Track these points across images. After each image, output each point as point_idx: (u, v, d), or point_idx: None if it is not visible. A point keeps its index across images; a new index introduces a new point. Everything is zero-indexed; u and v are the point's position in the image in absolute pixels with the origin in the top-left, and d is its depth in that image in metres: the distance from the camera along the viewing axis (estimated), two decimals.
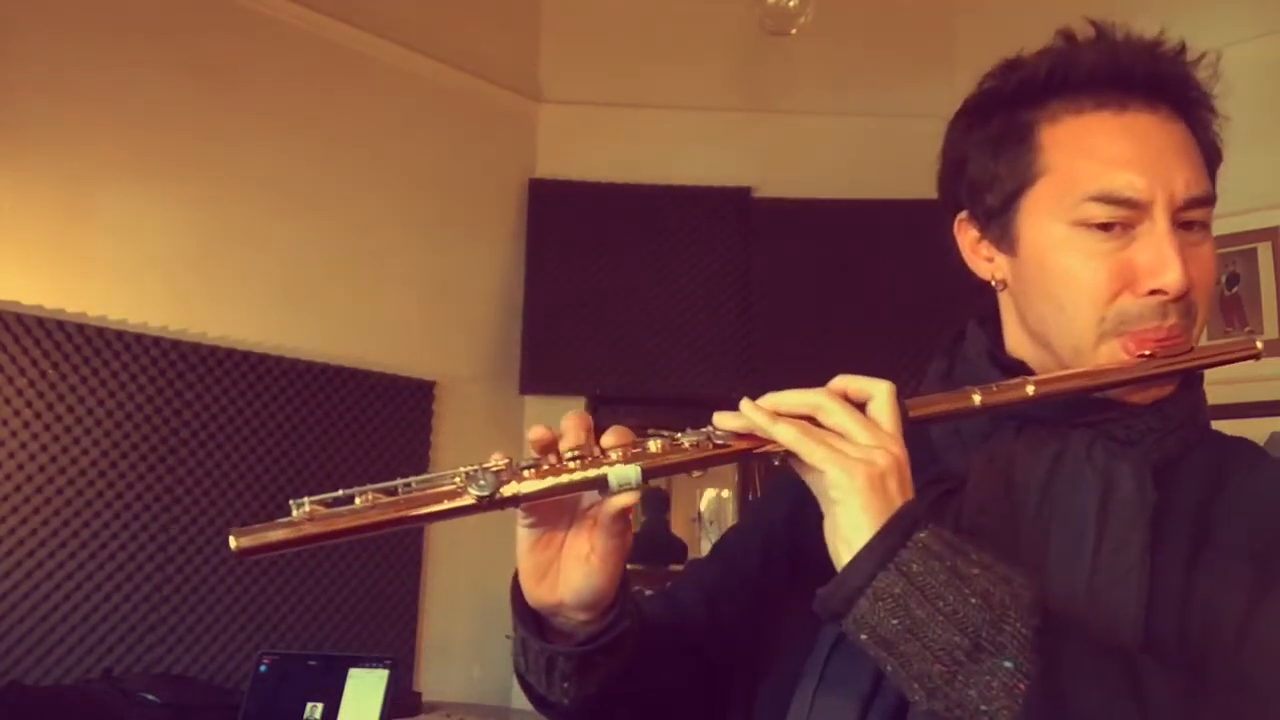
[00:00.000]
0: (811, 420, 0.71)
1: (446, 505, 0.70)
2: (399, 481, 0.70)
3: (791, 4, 2.92)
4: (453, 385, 3.22)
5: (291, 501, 0.69)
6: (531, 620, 0.79)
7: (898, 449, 0.70)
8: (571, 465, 0.72)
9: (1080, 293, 0.80)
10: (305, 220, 2.96)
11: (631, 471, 0.71)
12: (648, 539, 3.52)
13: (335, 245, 3.02)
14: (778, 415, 0.71)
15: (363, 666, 2.36)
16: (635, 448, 0.72)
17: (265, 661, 2.39)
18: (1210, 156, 0.85)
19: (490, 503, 0.70)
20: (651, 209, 3.48)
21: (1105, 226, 0.79)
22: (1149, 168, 0.79)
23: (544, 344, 3.37)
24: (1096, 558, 0.75)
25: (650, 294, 3.42)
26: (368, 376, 3.01)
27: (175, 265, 2.69)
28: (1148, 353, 0.80)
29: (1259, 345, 0.84)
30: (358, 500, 0.69)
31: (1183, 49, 0.85)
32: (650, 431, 0.73)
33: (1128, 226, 0.79)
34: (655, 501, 3.60)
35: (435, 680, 2.98)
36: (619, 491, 0.72)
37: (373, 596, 2.90)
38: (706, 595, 0.94)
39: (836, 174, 3.44)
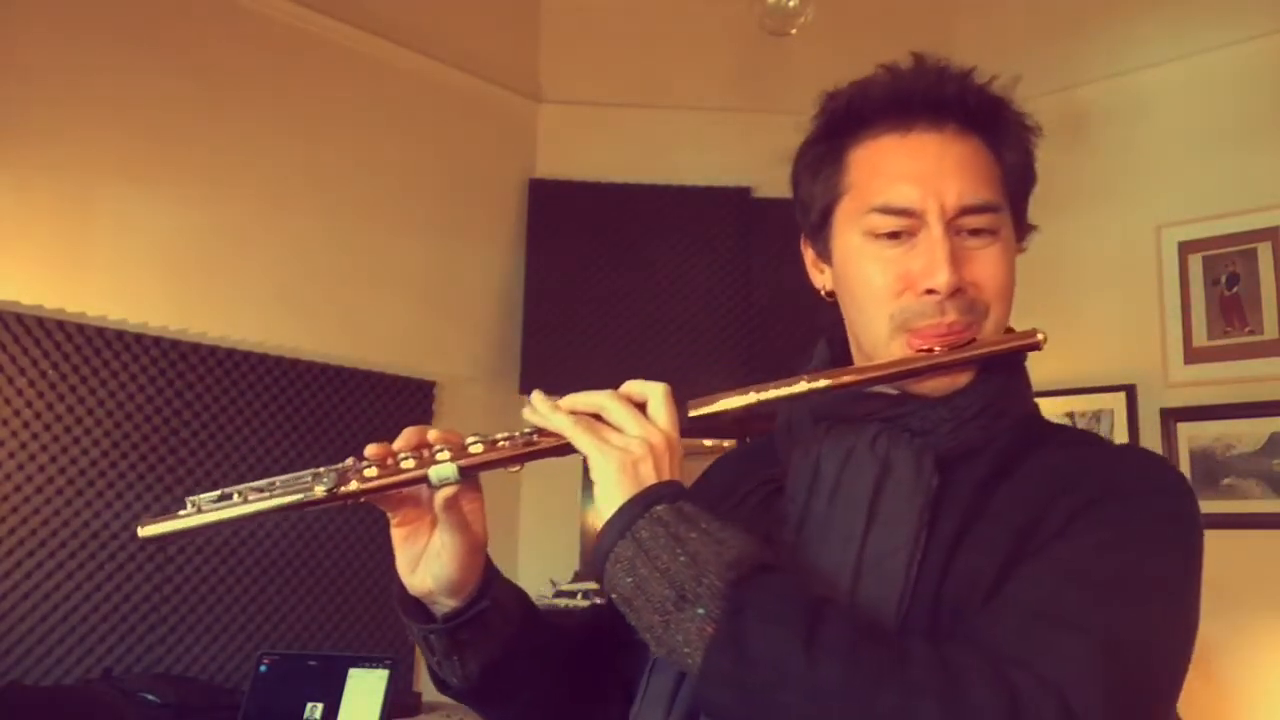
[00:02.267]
0: (598, 417, 0.84)
1: (300, 497, 0.83)
2: (267, 480, 0.84)
3: (791, 4, 2.93)
4: (453, 385, 3.23)
5: (187, 498, 0.83)
6: (413, 607, 0.92)
7: (659, 439, 0.81)
8: (405, 465, 0.84)
9: (871, 294, 0.91)
10: (305, 220, 2.96)
11: (448, 469, 0.83)
12: None
13: (335, 245, 3.02)
14: (557, 408, 0.85)
15: (363, 666, 2.36)
16: (458, 447, 0.85)
17: (265, 661, 2.39)
18: (1009, 171, 0.93)
19: (333, 496, 0.82)
20: (651, 209, 3.48)
21: (892, 235, 0.90)
22: (923, 180, 0.89)
23: (544, 344, 3.37)
24: (867, 536, 0.84)
25: (650, 294, 3.42)
26: (368, 376, 3.01)
27: (175, 265, 2.68)
28: (929, 348, 0.88)
29: (1041, 337, 0.90)
30: (235, 496, 0.82)
31: (968, 72, 0.93)
32: (476, 435, 0.85)
33: (910, 234, 0.89)
34: None
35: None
36: (440, 486, 0.84)
37: (373, 596, 2.90)
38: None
39: None
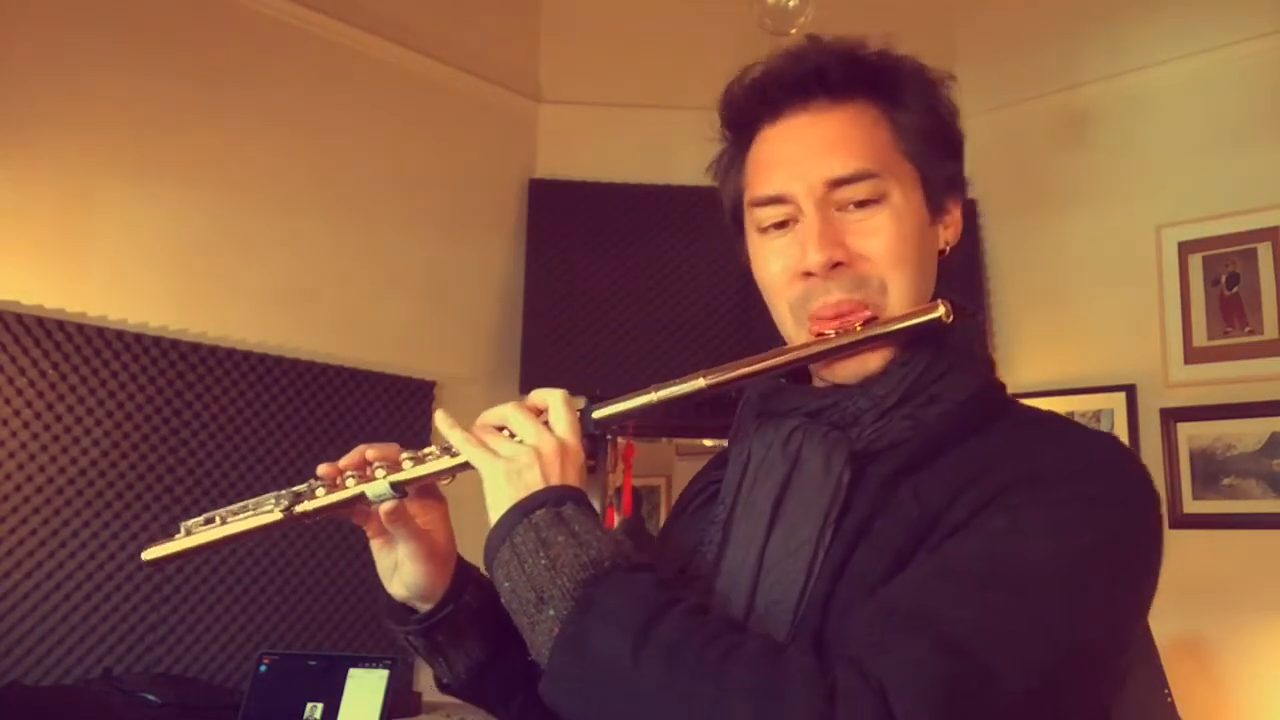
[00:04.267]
0: (503, 428, 0.85)
1: (262, 520, 0.89)
2: (240, 504, 0.91)
3: (791, 4, 2.93)
4: (453, 385, 3.22)
5: (181, 524, 0.91)
6: (399, 610, 0.95)
7: (549, 445, 0.82)
8: (349, 484, 0.88)
9: (771, 287, 0.91)
10: (305, 220, 2.96)
11: (381, 486, 0.87)
12: None
13: (335, 245, 3.02)
14: (455, 425, 0.86)
15: (363, 666, 2.36)
16: (394, 465, 0.88)
17: (265, 661, 2.39)
18: (906, 130, 0.88)
19: (290, 517, 0.88)
20: (651, 209, 3.48)
21: (779, 225, 0.89)
22: (790, 164, 0.87)
23: (544, 344, 3.37)
24: (769, 537, 0.83)
25: (650, 294, 3.42)
26: (368, 376, 3.01)
27: (175, 265, 2.68)
28: (822, 332, 0.86)
29: (942, 310, 0.84)
30: (216, 519, 0.90)
31: (832, 42, 0.91)
32: (408, 454, 0.90)
33: (794, 221, 0.88)
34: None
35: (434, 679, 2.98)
36: (379, 503, 0.88)
37: (373, 596, 2.89)
38: None
39: None
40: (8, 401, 2.36)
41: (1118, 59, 3.27)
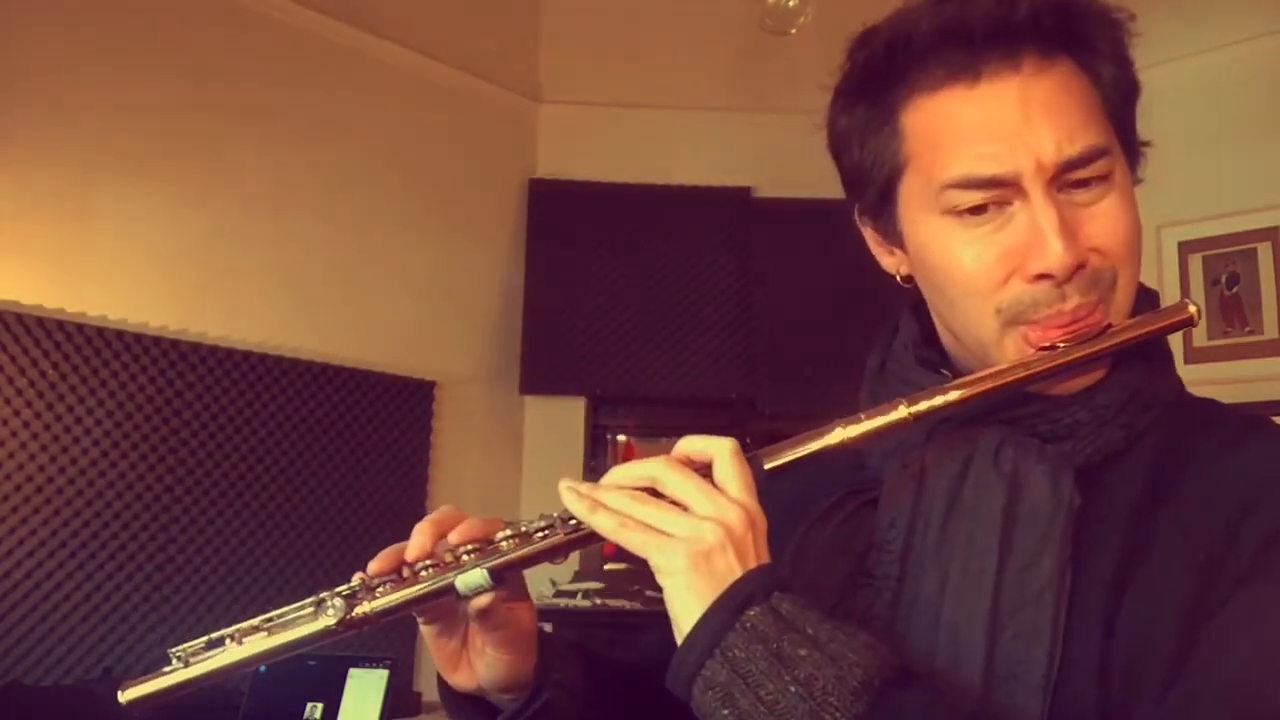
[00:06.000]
0: (653, 491, 0.67)
1: (305, 631, 0.71)
2: (263, 617, 0.72)
3: (791, 4, 2.92)
4: (453, 385, 3.22)
5: (170, 651, 0.72)
6: (464, 703, 0.78)
7: (735, 516, 0.64)
8: (423, 575, 0.71)
9: (966, 287, 0.72)
10: (305, 220, 2.96)
11: (478, 576, 0.69)
12: None
13: (335, 245, 3.02)
14: (597, 504, 0.67)
15: (362, 666, 2.36)
16: (486, 544, 0.70)
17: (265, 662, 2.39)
18: (1110, 91, 0.74)
19: (346, 626, 0.71)
20: (651, 209, 3.48)
21: (977, 210, 0.71)
22: (1008, 137, 0.69)
23: (544, 344, 3.37)
24: (1000, 578, 0.67)
25: (650, 294, 3.42)
26: (368, 376, 3.01)
27: (175, 265, 2.68)
28: (1050, 344, 0.70)
29: (1193, 310, 0.73)
30: (228, 641, 0.72)
31: None
32: (505, 524, 0.72)
33: (1003, 205, 0.71)
34: None
35: (435, 680, 2.98)
36: (471, 595, 0.70)
37: None
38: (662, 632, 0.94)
39: (836, 174, 3.44)
40: (8, 401, 2.36)
41: None
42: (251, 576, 2.69)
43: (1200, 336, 3.01)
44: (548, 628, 3.28)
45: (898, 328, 0.84)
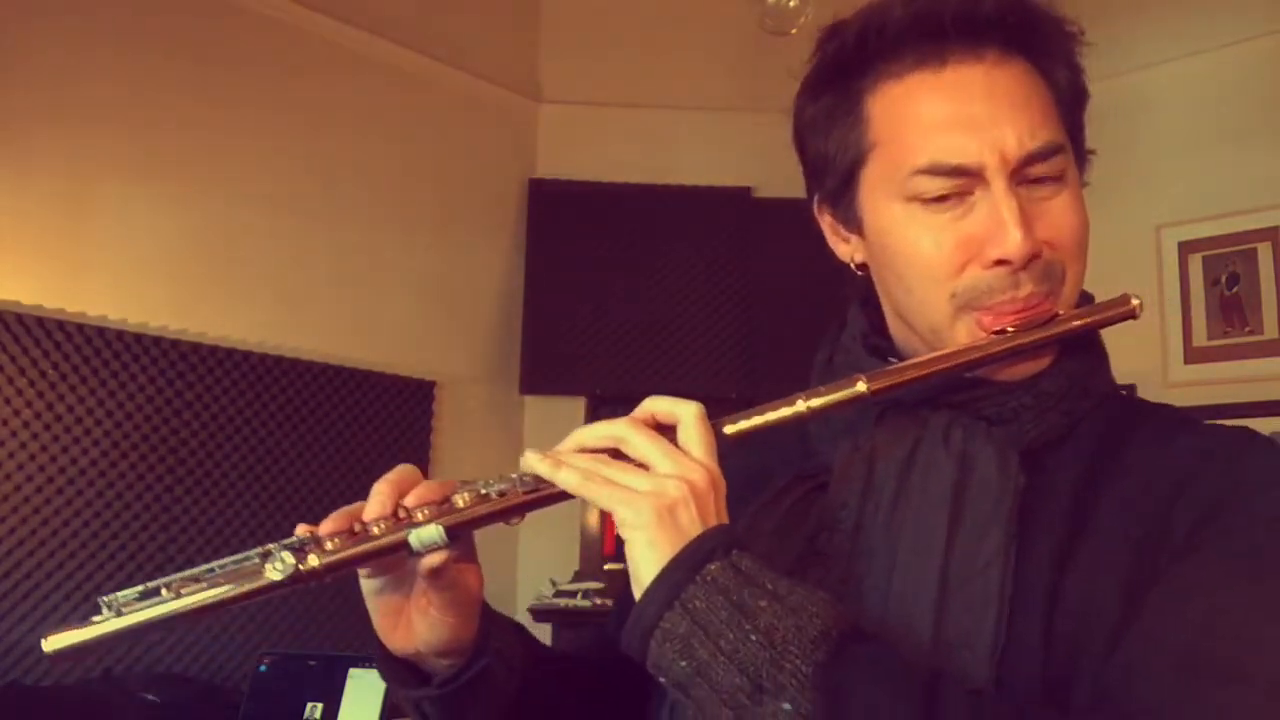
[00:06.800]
0: (616, 452, 0.68)
1: (249, 586, 0.68)
2: (203, 568, 0.70)
3: (791, 4, 2.93)
4: (453, 385, 3.22)
5: (100, 599, 0.68)
6: (400, 667, 0.76)
7: (698, 475, 0.66)
8: (376, 530, 0.70)
9: (924, 272, 0.75)
10: (305, 220, 2.96)
11: (433, 532, 0.69)
12: None
13: (335, 245, 3.02)
14: (561, 462, 0.68)
15: (363, 666, 2.36)
16: (441, 505, 0.70)
17: (265, 661, 2.39)
18: (1063, 93, 0.77)
19: (293, 578, 0.68)
20: (651, 209, 3.48)
21: (940, 199, 0.74)
22: (975, 128, 0.72)
23: (544, 344, 3.37)
24: (949, 553, 0.70)
25: (650, 294, 3.42)
26: (368, 376, 3.01)
27: (175, 265, 2.68)
28: (1002, 329, 0.73)
29: (1136, 302, 0.77)
30: (164, 591, 0.69)
31: None
32: (462, 484, 0.71)
33: (964, 194, 0.73)
34: None
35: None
36: (425, 552, 0.69)
37: None
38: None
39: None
40: (8, 401, 2.36)
41: (1118, 59, 3.27)
42: None
43: (1200, 336, 3.01)
44: (547, 628, 3.25)
45: (845, 323, 0.87)
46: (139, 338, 2.57)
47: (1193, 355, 3.02)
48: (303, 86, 2.99)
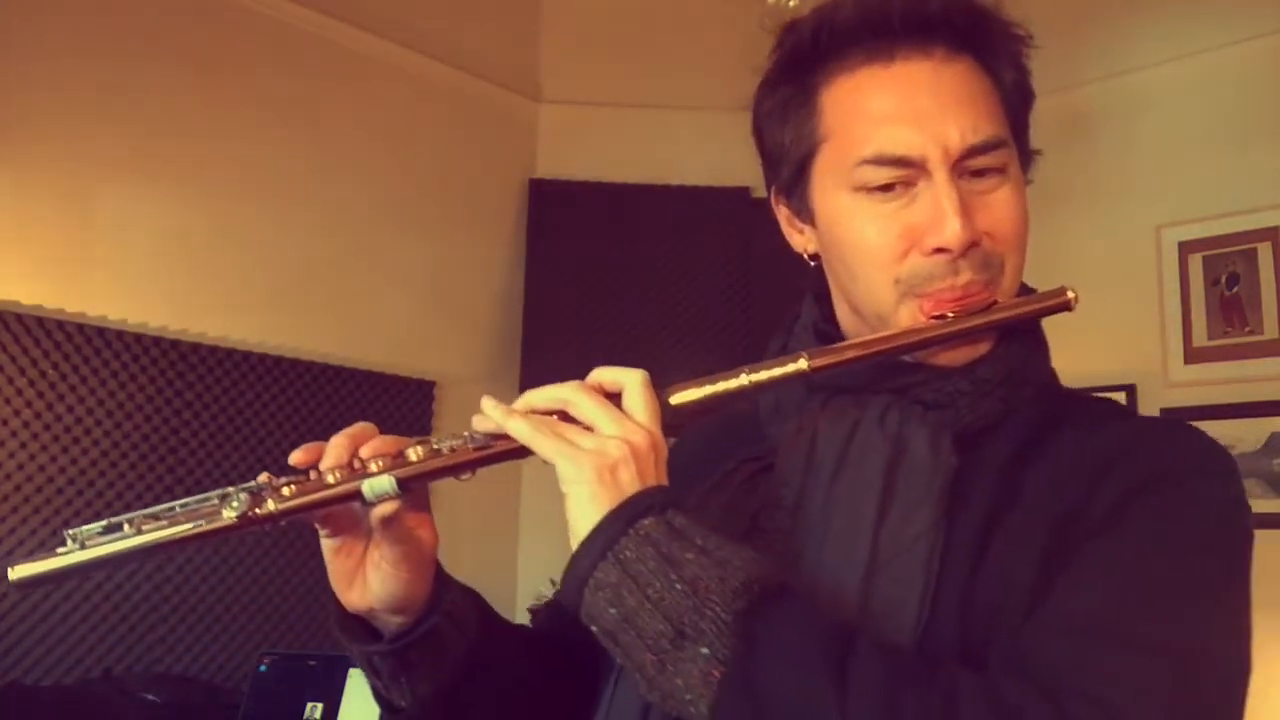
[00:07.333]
0: (563, 414, 0.71)
1: (207, 526, 0.71)
2: (164, 506, 0.72)
3: (791, 4, 2.93)
4: (453, 385, 3.22)
5: (66, 532, 0.71)
6: (353, 625, 0.79)
7: (640, 438, 0.69)
8: (330, 479, 0.73)
9: (869, 259, 0.79)
10: (305, 220, 2.96)
11: (385, 482, 0.72)
12: None
13: (335, 245, 3.02)
14: (513, 412, 0.71)
15: None
16: (395, 457, 0.73)
17: (265, 661, 2.39)
18: (1009, 92, 0.81)
19: (247, 520, 0.71)
20: (651, 209, 3.48)
21: (885, 188, 0.77)
22: (920, 121, 0.76)
23: (544, 344, 3.37)
24: (879, 528, 0.73)
25: (650, 294, 3.42)
26: (368, 376, 3.01)
27: (175, 265, 2.68)
28: (941, 314, 0.77)
29: (1071, 295, 0.79)
30: (126, 527, 0.71)
31: None
32: (416, 440, 0.74)
33: (908, 185, 0.77)
34: None
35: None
36: (377, 502, 0.72)
37: None
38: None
39: None
40: (8, 401, 2.36)
41: (1118, 59, 3.27)
42: (251, 576, 2.69)
43: (1200, 336, 3.01)
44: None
45: (799, 314, 0.93)
46: (139, 338, 2.57)
47: (1193, 355, 3.02)
48: (302, 86, 2.99)
